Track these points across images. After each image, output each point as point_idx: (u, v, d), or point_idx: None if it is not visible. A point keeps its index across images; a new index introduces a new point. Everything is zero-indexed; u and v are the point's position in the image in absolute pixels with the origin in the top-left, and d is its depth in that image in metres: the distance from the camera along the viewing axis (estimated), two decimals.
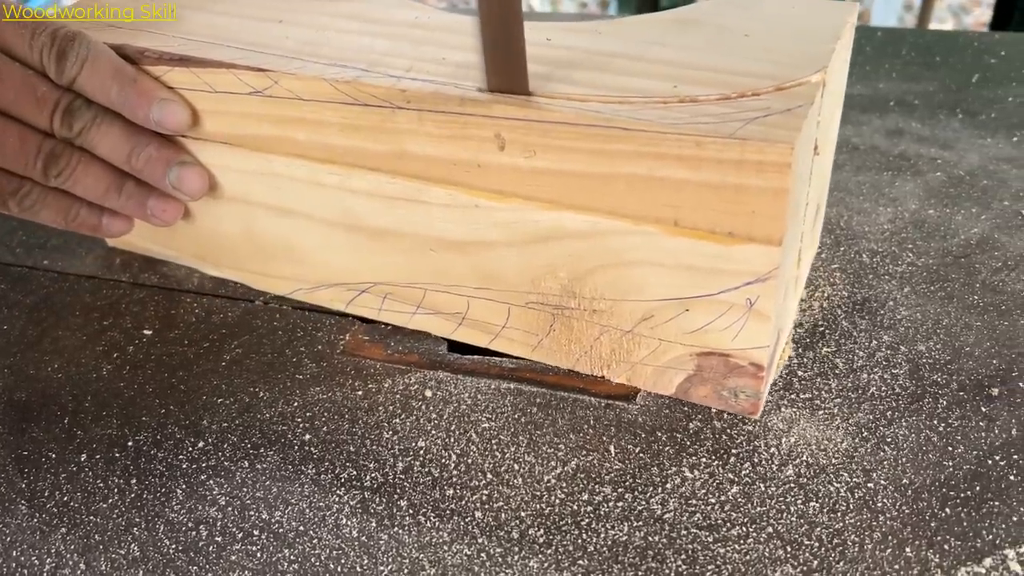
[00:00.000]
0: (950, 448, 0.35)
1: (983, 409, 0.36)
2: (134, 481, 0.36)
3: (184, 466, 0.36)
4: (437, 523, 0.33)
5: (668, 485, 0.34)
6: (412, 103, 0.34)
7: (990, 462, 0.34)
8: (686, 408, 0.37)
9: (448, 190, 0.36)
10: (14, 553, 0.34)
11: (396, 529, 0.33)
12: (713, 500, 0.33)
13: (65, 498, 0.36)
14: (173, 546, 0.33)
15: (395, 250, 0.40)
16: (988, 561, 0.31)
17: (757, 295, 0.32)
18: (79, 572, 0.33)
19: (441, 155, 0.35)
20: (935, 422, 0.36)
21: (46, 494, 0.36)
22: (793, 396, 0.37)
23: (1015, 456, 0.34)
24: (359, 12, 0.41)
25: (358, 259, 0.41)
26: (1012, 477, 0.33)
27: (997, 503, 0.32)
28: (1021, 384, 0.37)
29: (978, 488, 0.33)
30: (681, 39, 0.36)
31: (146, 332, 0.44)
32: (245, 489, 0.35)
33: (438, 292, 0.40)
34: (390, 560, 0.32)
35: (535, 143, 0.33)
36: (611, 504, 0.34)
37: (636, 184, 0.32)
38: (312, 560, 0.32)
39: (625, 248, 0.34)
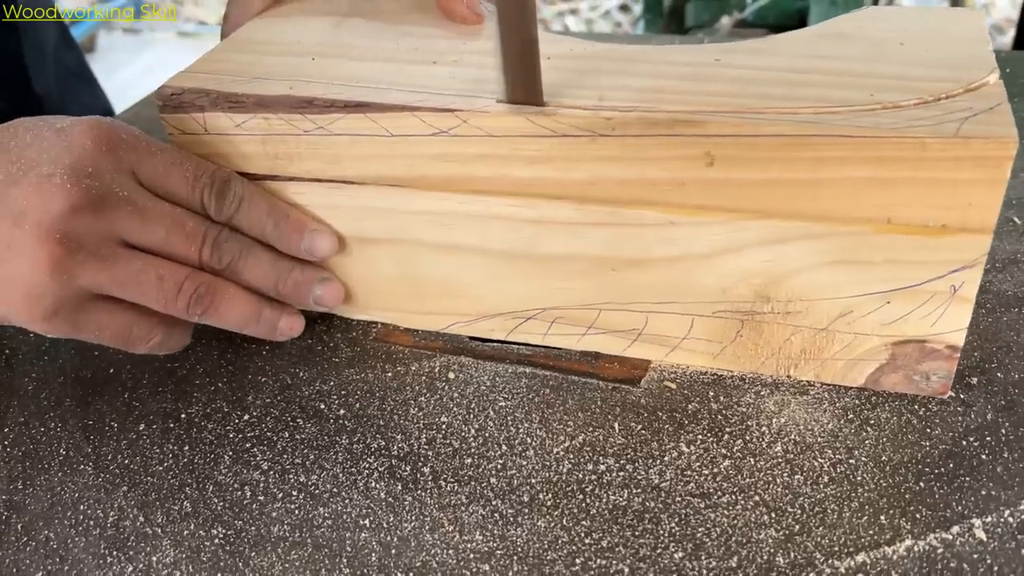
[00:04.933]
0: (928, 430, 0.38)
1: (962, 396, 0.39)
2: (186, 448, 0.40)
3: (231, 436, 0.41)
4: (456, 487, 0.37)
5: (666, 458, 0.37)
6: (617, 130, 0.35)
7: (964, 443, 0.37)
8: (686, 391, 0.41)
9: (641, 211, 0.37)
10: (81, 507, 0.38)
11: (419, 492, 0.37)
12: (706, 472, 0.37)
13: (126, 461, 0.40)
14: (220, 503, 0.37)
15: (573, 274, 0.40)
16: (956, 529, 0.34)
17: (962, 281, 0.35)
18: (138, 524, 0.37)
19: (640, 177, 0.36)
20: (916, 406, 0.39)
21: (109, 457, 0.40)
22: (786, 382, 0.40)
23: (988, 438, 0.37)
24: None
25: (529, 287, 0.41)
26: (984, 456, 0.36)
27: (968, 479, 0.35)
28: (999, 374, 0.40)
29: (951, 465, 0.36)
30: (842, 51, 0.38)
31: None
32: (285, 456, 0.39)
33: (614, 311, 0.41)
34: (413, 518, 0.36)
35: (747, 156, 0.34)
36: (613, 474, 0.37)
37: (849, 187, 0.34)
38: (344, 517, 0.36)
39: (831, 249, 0.35)
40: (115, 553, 0.36)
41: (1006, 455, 0.36)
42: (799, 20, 1.03)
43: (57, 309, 0.37)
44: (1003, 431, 0.37)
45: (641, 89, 0.37)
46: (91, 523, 0.37)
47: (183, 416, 0.42)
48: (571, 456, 0.38)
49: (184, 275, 0.39)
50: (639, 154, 0.35)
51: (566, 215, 0.38)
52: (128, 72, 2.90)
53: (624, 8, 3.01)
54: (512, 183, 0.38)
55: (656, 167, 0.36)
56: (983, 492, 0.35)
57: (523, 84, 0.37)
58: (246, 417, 0.41)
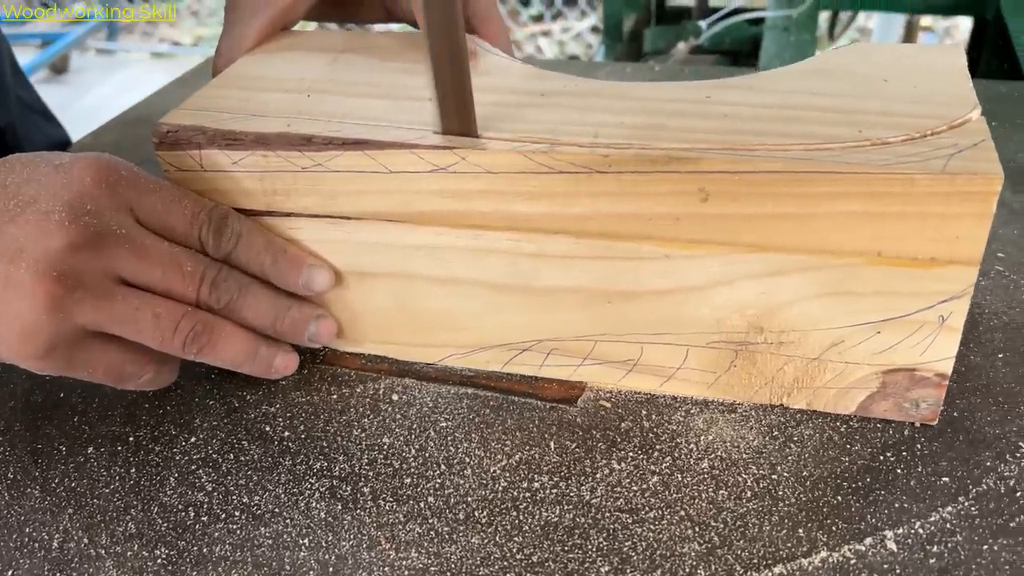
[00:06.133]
0: (848, 445, 0.39)
1: None
2: (133, 470, 0.41)
3: (177, 458, 0.41)
4: (394, 506, 0.38)
5: (598, 475, 0.39)
6: (613, 167, 0.36)
7: (882, 458, 0.38)
8: (620, 410, 0.42)
9: (637, 244, 0.38)
10: (27, 530, 0.39)
11: (358, 511, 0.38)
12: (635, 488, 0.38)
13: (73, 484, 0.41)
14: (165, 524, 0.38)
15: (569, 306, 0.41)
16: (868, 540, 0.35)
17: (951, 311, 0.36)
18: (83, 546, 0.38)
19: (636, 212, 0.37)
20: (838, 423, 0.40)
21: (56, 481, 0.41)
22: (715, 400, 0.42)
23: (904, 453, 0.39)
24: (499, 85, 0.42)
25: (526, 319, 0.42)
26: (899, 471, 0.38)
27: (883, 492, 0.37)
28: None
29: (868, 480, 0.38)
30: (829, 88, 0.39)
31: None
32: (229, 477, 0.40)
33: (610, 342, 0.41)
34: (351, 537, 0.37)
35: (741, 192, 0.35)
36: (547, 491, 0.38)
37: (840, 222, 0.35)
38: (284, 536, 0.37)
39: (823, 281, 0.36)
40: (58, 575, 0.37)
41: (920, 469, 0.38)
42: (753, 45, 1.06)
43: (52, 347, 0.37)
44: (918, 446, 0.39)
45: (636, 126, 0.37)
46: (36, 545, 0.38)
47: (131, 439, 0.43)
48: (507, 474, 0.39)
49: (181, 313, 0.39)
50: (635, 190, 0.36)
51: (563, 249, 0.39)
52: (101, 92, 2.91)
53: (595, 29, 3.05)
54: (510, 218, 0.39)
55: (651, 202, 0.36)
56: (896, 505, 0.36)
57: (457, 115, 0.38)
58: (192, 439, 0.42)
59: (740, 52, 1.08)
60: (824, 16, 1.26)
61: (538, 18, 3.16)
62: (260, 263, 0.42)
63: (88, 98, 2.85)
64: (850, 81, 0.40)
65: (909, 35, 1.63)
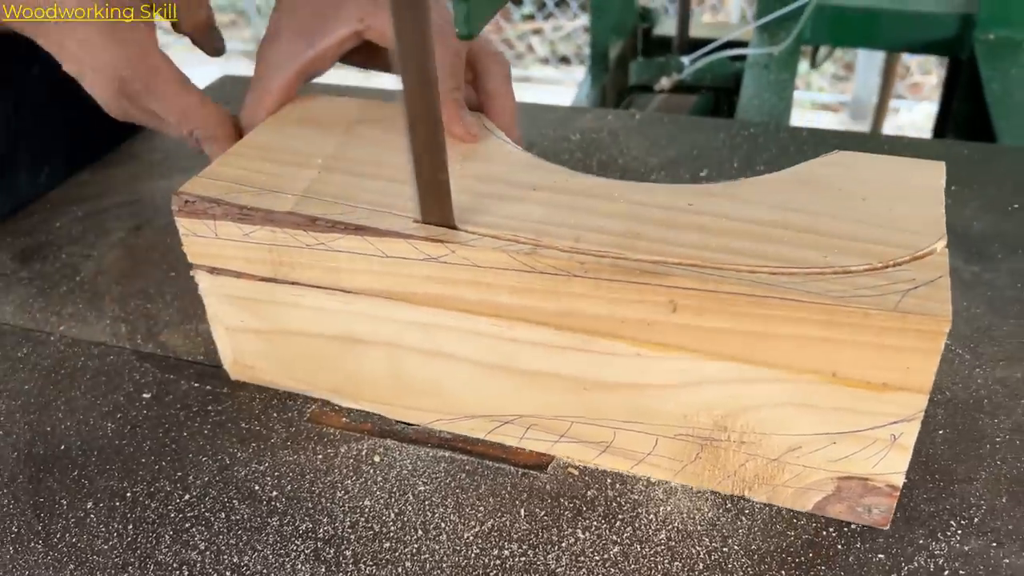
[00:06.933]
0: (795, 520, 0.43)
1: None
2: (130, 527, 0.44)
3: (172, 515, 0.44)
4: (374, 570, 0.41)
5: (563, 544, 0.42)
6: (590, 273, 0.39)
7: (824, 533, 0.42)
8: (587, 478, 0.45)
9: (613, 342, 0.40)
10: None
11: (340, 575, 0.41)
12: (597, 558, 0.41)
13: (73, 539, 0.43)
14: None
15: (547, 389, 0.44)
16: None
17: (901, 431, 0.38)
18: None
19: (610, 314, 0.39)
20: None
21: (57, 536, 0.44)
22: None
23: (845, 528, 0.42)
24: (495, 174, 0.45)
25: (507, 396, 0.45)
26: (839, 546, 0.41)
27: (823, 568, 0.40)
28: None
29: (810, 555, 0.41)
30: (808, 203, 0.41)
31: (145, 396, 0.52)
32: (221, 536, 0.43)
33: (585, 424, 0.44)
34: None
35: (707, 308, 0.37)
36: (516, 559, 0.41)
37: (799, 343, 0.37)
38: None
39: (782, 393, 0.39)
40: None
41: (858, 545, 0.41)
42: (735, 82, 1.08)
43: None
44: (857, 522, 0.42)
45: (616, 232, 0.40)
46: None
47: (128, 495, 0.46)
48: (479, 541, 0.42)
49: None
50: (610, 295, 0.39)
51: (543, 338, 0.42)
52: None
53: (587, 29, 3.07)
54: (495, 306, 0.42)
55: (625, 308, 0.39)
56: None
57: (436, 206, 0.41)
58: (187, 497, 0.45)
59: (722, 88, 1.11)
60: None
61: (530, 17, 3.18)
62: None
63: None
64: (830, 197, 0.42)
65: (891, 57, 1.67)
